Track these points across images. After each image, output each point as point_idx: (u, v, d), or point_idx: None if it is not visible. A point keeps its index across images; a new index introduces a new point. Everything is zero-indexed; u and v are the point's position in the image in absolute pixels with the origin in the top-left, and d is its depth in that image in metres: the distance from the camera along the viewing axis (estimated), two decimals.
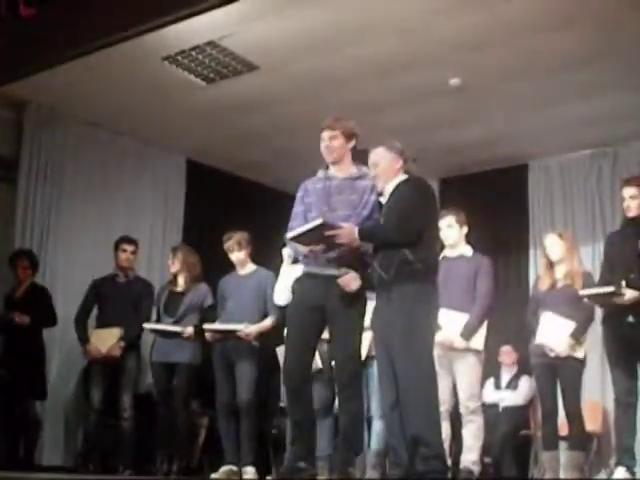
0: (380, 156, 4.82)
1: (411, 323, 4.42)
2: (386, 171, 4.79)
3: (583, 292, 6.04)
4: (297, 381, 4.87)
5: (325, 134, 5.02)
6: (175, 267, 7.18)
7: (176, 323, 7.02)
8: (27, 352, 7.14)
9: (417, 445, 4.35)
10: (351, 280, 4.74)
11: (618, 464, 5.83)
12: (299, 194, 5.14)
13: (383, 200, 4.82)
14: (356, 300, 4.78)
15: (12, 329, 7.13)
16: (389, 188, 4.77)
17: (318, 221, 4.66)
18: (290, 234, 4.81)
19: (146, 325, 7.19)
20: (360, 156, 5.03)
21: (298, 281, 5.07)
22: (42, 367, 7.36)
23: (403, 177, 4.79)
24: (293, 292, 5.09)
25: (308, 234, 4.70)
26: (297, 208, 5.12)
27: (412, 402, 4.38)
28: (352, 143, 5.07)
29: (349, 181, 5.02)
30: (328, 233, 4.63)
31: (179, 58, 7.22)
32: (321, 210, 4.94)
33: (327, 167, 5.11)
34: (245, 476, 6.44)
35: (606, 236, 6.61)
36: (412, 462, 4.39)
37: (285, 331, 6.31)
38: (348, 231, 4.62)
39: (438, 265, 4.70)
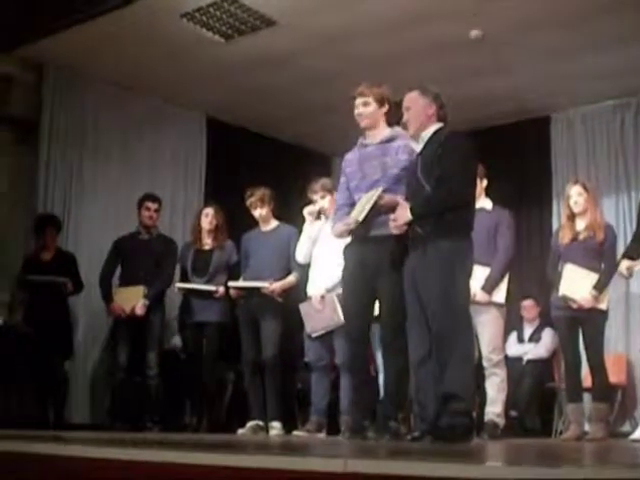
0: (413, 100, 4.72)
1: (448, 277, 4.40)
2: (418, 116, 4.69)
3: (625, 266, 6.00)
4: (358, 345, 4.95)
5: (357, 101, 5.07)
6: (210, 224, 7.20)
7: (207, 283, 7.08)
8: (52, 312, 7.19)
9: (448, 400, 4.36)
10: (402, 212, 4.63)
11: None
12: (342, 165, 5.22)
13: (416, 147, 4.75)
14: (399, 257, 4.77)
15: (38, 289, 7.19)
16: (424, 136, 4.68)
17: (375, 196, 4.73)
18: (361, 217, 4.78)
19: (178, 285, 7.25)
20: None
21: (349, 246, 5.09)
22: (68, 326, 7.43)
23: (438, 125, 4.70)
24: (345, 256, 5.09)
25: (373, 211, 4.76)
26: (341, 179, 5.21)
27: (448, 356, 4.36)
28: (385, 108, 5.08)
29: (382, 145, 5.02)
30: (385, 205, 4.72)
31: (197, 15, 7.19)
32: (357, 178, 5.02)
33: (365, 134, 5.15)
34: (272, 431, 6.51)
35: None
36: (439, 416, 4.41)
37: (309, 288, 6.40)
38: (402, 213, 4.57)
39: (474, 220, 4.64)
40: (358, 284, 4.93)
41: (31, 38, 6.58)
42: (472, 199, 4.65)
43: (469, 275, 4.60)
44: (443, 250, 4.43)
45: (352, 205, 5.01)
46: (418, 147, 4.72)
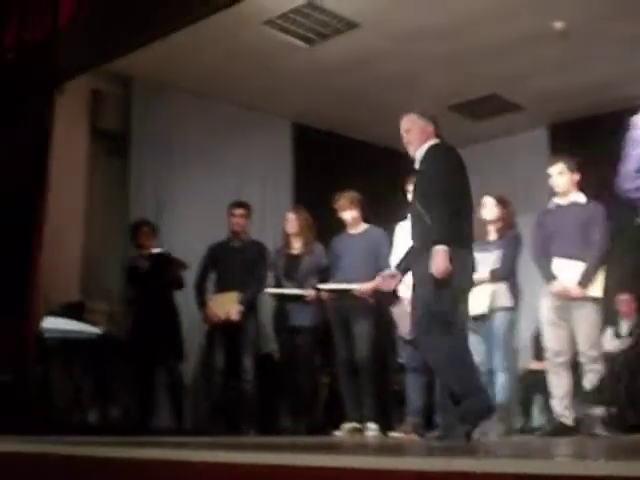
0: (412, 122, 4.93)
1: (434, 289, 4.57)
2: (417, 137, 4.89)
3: None
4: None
5: None
6: (293, 228, 7.23)
7: (298, 287, 7.11)
8: (161, 314, 7.31)
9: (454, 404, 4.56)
10: None
11: None
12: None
13: (417, 166, 4.91)
14: None
15: (144, 295, 7.33)
16: (418, 154, 4.87)
17: None
18: None
19: (269, 290, 7.28)
20: None
21: None
22: (177, 327, 7.49)
23: (432, 142, 4.86)
24: None
25: None
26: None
27: (434, 366, 4.75)
28: None
29: None
30: None
31: (279, 21, 7.26)
32: None
33: None
34: (368, 432, 6.51)
35: None
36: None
37: (400, 289, 6.40)
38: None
39: (472, 229, 4.81)
40: None
41: (118, 52, 6.69)
42: (459, 210, 4.69)
43: (467, 284, 4.79)
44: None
45: None
46: (417, 165, 4.91)
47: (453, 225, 4.62)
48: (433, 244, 4.59)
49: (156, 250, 7.61)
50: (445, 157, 4.82)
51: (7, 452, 3.57)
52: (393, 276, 5.06)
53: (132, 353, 7.26)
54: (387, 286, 5.21)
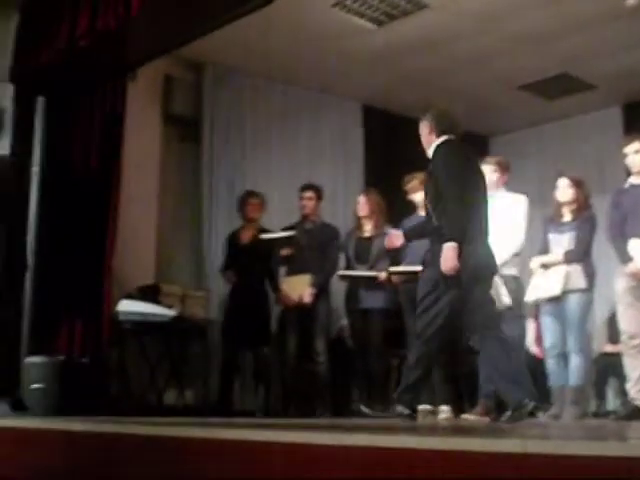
0: (420, 129, 5.15)
1: (435, 281, 4.79)
2: (426, 140, 5.09)
3: None
4: None
5: None
6: (364, 210, 7.24)
7: (369, 270, 7.12)
8: (254, 299, 7.30)
9: None
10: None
11: None
12: None
13: None
14: None
15: (241, 278, 7.33)
16: (429, 154, 5.02)
17: None
18: None
19: (340, 272, 7.31)
20: None
21: None
22: (267, 313, 7.43)
23: (439, 140, 5.00)
24: None
25: None
26: None
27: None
28: None
29: None
30: None
31: (348, 3, 7.23)
32: None
33: None
34: (440, 415, 6.50)
35: None
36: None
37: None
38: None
39: (485, 224, 4.88)
40: None
41: (189, 38, 6.75)
42: (468, 205, 4.76)
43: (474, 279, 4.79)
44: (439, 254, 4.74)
45: None
46: None
47: (463, 220, 4.70)
48: (443, 241, 4.68)
49: (281, 234, 7.38)
50: (446, 154, 4.92)
51: (85, 432, 3.66)
52: (398, 236, 5.46)
53: (208, 336, 7.35)
54: (391, 244, 5.54)
